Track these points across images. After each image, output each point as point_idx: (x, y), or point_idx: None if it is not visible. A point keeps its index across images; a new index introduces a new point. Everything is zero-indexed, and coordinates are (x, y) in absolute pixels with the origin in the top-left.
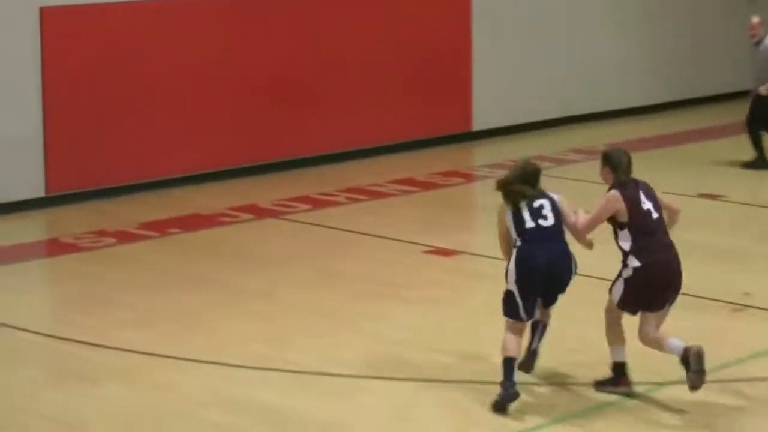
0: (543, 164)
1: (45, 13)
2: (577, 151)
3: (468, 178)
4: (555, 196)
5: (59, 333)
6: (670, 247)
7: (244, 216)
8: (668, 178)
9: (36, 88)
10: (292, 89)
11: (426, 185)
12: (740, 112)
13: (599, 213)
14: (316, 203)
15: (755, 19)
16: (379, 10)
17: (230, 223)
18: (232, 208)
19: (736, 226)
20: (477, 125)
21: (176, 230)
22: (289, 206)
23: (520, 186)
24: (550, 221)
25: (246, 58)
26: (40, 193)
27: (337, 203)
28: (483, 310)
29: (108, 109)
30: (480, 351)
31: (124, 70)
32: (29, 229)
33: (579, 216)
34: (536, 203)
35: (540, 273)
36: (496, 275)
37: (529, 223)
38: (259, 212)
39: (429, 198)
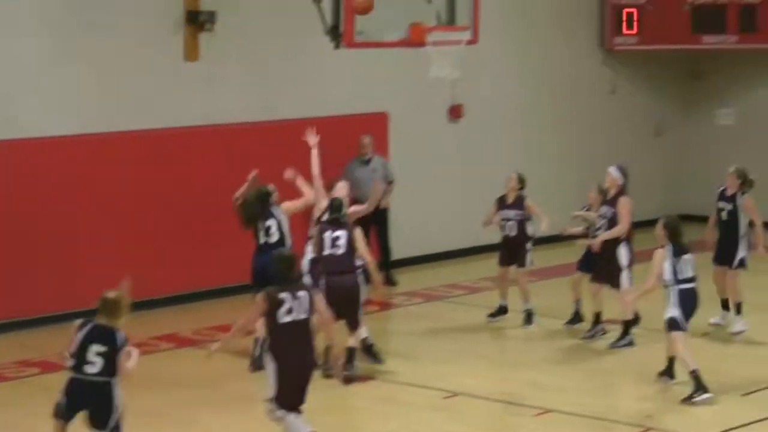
0: (456, 292)
1: None
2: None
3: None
4: None
5: None
6: None
7: (164, 345)
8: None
9: None
10: (207, 222)
11: None
12: (642, 241)
13: None
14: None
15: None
16: (288, 146)
17: (151, 352)
18: (153, 337)
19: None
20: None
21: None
22: (208, 335)
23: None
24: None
25: (159, 193)
26: None
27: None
28: None
29: (30, 241)
30: None
31: (42, 203)
32: None
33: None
34: None
35: None
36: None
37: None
38: (179, 341)
39: None
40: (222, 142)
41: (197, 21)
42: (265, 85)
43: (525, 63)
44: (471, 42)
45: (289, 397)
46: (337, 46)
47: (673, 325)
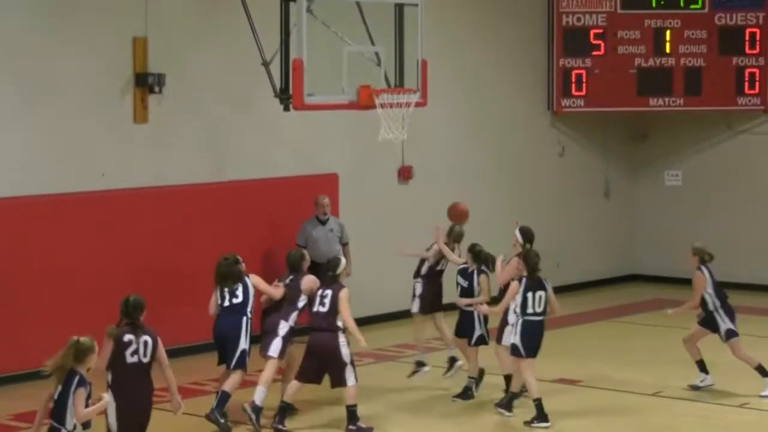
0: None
1: None
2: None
3: None
4: None
5: None
6: None
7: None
8: None
9: None
10: (156, 282)
11: None
12: (594, 301)
13: None
14: (186, 393)
15: None
16: (239, 208)
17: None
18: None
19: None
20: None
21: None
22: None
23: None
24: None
25: (109, 254)
26: None
27: (206, 392)
28: None
29: None
30: None
31: None
32: None
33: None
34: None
35: None
36: None
37: None
38: None
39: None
40: (172, 204)
41: (146, 83)
42: (214, 147)
43: (474, 125)
44: (420, 104)
45: None
46: (286, 108)
47: (514, 350)
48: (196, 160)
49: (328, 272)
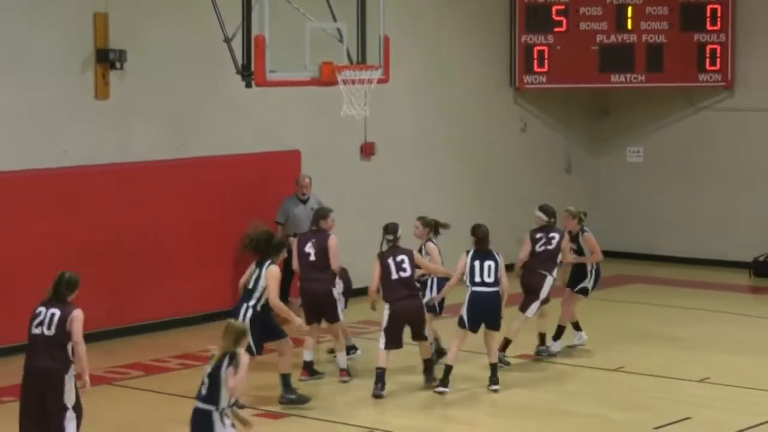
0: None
1: None
2: None
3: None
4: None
5: None
6: None
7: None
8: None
9: None
10: (120, 259)
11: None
12: None
13: None
14: (149, 369)
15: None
16: (202, 183)
17: None
18: None
19: None
20: None
21: (10, 398)
22: (122, 373)
23: None
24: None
25: (73, 231)
26: None
27: (169, 369)
28: None
29: None
30: None
31: None
32: None
33: None
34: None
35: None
36: None
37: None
38: (92, 379)
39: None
40: (135, 180)
41: (107, 59)
42: (177, 124)
43: (436, 101)
44: (382, 81)
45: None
46: (248, 85)
47: (459, 321)
48: (160, 137)
49: (386, 236)
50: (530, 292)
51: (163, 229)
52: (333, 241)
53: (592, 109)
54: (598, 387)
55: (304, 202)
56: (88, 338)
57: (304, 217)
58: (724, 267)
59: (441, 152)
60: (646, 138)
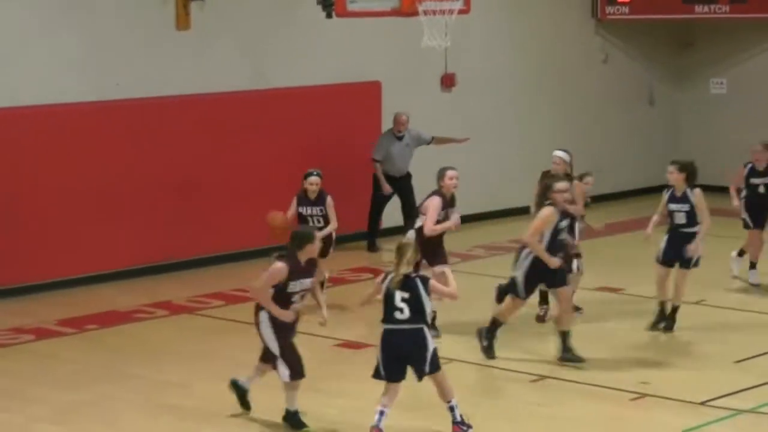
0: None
1: None
2: (482, 247)
3: (377, 273)
4: None
5: None
6: None
7: (160, 312)
8: None
9: None
10: (199, 191)
11: (335, 280)
12: (636, 209)
13: None
14: (229, 299)
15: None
16: (282, 115)
17: (146, 319)
18: (147, 305)
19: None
20: (385, 222)
21: (94, 326)
22: (203, 302)
23: None
24: None
25: (153, 162)
26: None
27: (249, 299)
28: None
29: (22, 211)
30: None
31: (30, 173)
32: None
33: None
34: None
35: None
36: None
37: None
38: (174, 308)
39: (339, 293)
40: (214, 111)
41: None
42: (256, 55)
43: (517, 32)
44: (463, 11)
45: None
46: (329, 15)
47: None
48: (238, 68)
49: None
50: None
51: (242, 159)
52: None
53: (675, 40)
54: None
55: (400, 138)
56: (166, 269)
57: (398, 155)
58: None
59: (521, 83)
60: (729, 70)
